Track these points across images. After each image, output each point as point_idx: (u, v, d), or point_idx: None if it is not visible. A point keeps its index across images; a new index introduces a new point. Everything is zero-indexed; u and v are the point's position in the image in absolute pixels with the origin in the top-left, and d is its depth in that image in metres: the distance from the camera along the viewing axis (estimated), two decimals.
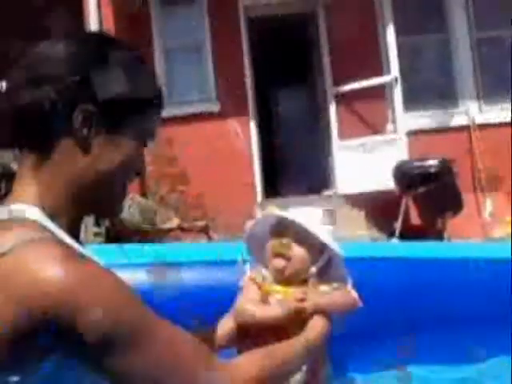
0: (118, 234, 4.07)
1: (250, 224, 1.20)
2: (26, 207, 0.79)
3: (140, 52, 0.92)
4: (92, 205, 0.87)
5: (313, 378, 1.10)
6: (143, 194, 5.14)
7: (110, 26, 4.63)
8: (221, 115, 5.53)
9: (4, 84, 0.82)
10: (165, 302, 1.03)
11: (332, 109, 5.58)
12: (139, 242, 4.07)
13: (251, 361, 0.87)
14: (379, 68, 5.34)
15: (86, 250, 0.85)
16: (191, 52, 5.71)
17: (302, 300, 1.05)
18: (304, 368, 1.07)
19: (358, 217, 5.03)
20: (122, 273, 0.79)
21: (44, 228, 0.77)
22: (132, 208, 4.17)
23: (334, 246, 1.11)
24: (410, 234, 4.52)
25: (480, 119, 5.51)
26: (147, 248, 1.96)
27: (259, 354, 0.92)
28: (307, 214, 1.15)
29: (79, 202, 0.84)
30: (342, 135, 5.49)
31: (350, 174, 5.34)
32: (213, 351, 0.89)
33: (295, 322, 1.05)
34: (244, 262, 1.17)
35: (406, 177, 4.69)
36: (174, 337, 0.78)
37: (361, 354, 1.41)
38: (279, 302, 1.09)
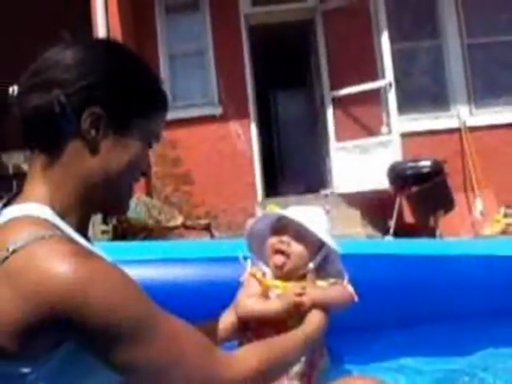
0: (124, 232, 4.10)
1: (250, 222, 1.23)
2: (37, 206, 0.81)
3: (145, 57, 0.95)
4: (100, 204, 0.90)
5: (311, 369, 1.14)
6: (149, 194, 5.17)
7: (116, 33, 4.66)
8: (223, 118, 5.57)
9: (16, 88, 0.84)
10: (169, 297, 1.05)
11: (329, 112, 5.61)
12: (145, 239, 4.10)
13: (252, 353, 0.90)
14: (374, 73, 5.38)
15: (94, 247, 0.87)
16: (194, 58, 5.75)
17: (301, 295, 1.09)
18: (303, 360, 1.11)
19: (354, 215, 5.06)
20: (128, 269, 0.81)
21: (54, 226, 0.79)
22: (138, 207, 4.20)
23: (332, 243, 1.14)
24: (403, 231, 4.56)
25: (471, 122, 5.56)
26: (152, 245, 1.97)
27: (259, 347, 0.95)
28: (313, 212, 1.18)
29: (88, 201, 0.86)
30: (339, 137, 5.52)
31: (346, 174, 5.38)
32: (215, 344, 0.92)
33: (294, 315, 1.09)
34: (245, 258, 1.21)
35: (400, 177, 4.73)
36: (178, 331, 0.81)
37: (357, 347, 1.43)
38: (279, 296, 1.13)
